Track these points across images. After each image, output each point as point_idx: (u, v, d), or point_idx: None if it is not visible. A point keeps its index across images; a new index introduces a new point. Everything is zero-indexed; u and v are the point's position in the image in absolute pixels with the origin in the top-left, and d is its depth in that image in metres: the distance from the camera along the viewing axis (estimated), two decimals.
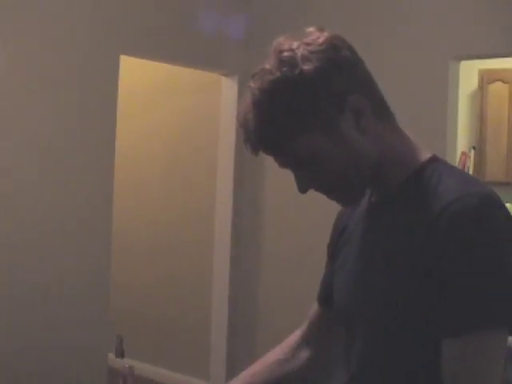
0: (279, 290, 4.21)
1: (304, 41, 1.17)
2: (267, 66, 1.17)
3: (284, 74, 1.14)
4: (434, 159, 1.21)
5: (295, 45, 1.16)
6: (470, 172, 4.85)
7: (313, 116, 1.14)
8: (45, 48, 3.52)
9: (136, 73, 4.88)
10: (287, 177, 4.35)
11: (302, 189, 1.23)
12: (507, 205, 1.28)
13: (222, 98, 4.46)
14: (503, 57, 3.85)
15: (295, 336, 1.44)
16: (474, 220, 1.09)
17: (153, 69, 4.75)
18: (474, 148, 4.94)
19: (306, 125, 1.14)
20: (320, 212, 4.03)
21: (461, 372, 1.08)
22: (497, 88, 4.88)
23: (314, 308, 1.45)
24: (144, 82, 5.01)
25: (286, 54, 1.15)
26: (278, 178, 4.23)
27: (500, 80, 4.88)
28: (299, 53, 1.14)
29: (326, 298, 1.40)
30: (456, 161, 4.12)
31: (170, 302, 4.83)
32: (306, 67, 1.13)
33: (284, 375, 1.40)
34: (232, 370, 4.37)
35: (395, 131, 1.22)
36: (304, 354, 1.41)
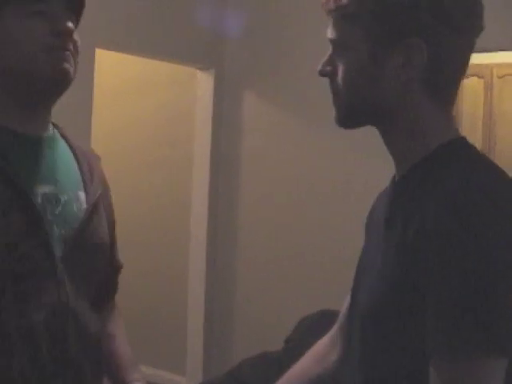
0: (255, 287, 4.21)
1: None
2: None
3: None
4: (458, 141, 1.14)
5: None
6: None
7: (385, 20, 1.09)
8: None
9: (112, 67, 4.85)
10: (263, 173, 4.32)
11: (320, 65, 1.21)
12: None
13: (198, 92, 4.45)
14: (478, 52, 3.87)
15: (325, 338, 1.41)
16: (465, 226, 0.98)
17: (128, 62, 4.72)
18: None
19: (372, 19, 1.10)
20: (297, 209, 4.04)
21: None
22: (472, 83, 4.91)
23: (347, 300, 1.38)
24: (119, 76, 4.97)
25: None
26: (254, 174, 4.23)
27: (475, 75, 4.91)
28: None
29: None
30: None
31: (145, 297, 4.81)
32: None
33: (316, 379, 1.36)
34: (208, 365, 4.37)
35: (438, 111, 1.14)
36: (334, 355, 1.37)
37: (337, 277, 3.81)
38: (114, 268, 1.64)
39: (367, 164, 3.75)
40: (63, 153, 1.49)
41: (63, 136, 1.52)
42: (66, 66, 1.42)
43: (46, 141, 1.45)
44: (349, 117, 1.19)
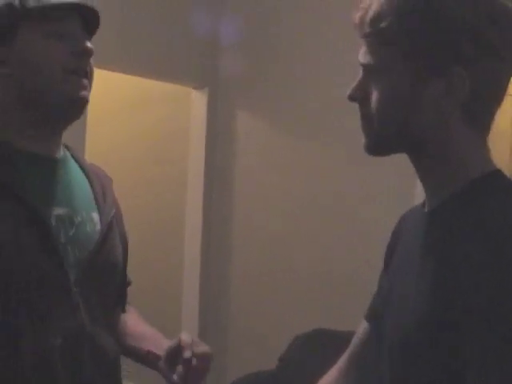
0: (250, 304, 4.19)
1: None
2: None
3: None
4: (496, 174, 1.10)
5: None
6: None
7: (429, 43, 1.05)
8: None
9: (106, 85, 4.85)
10: (257, 190, 4.32)
11: (350, 90, 1.15)
12: None
13: (192, 111, 4.45)
14: None
15: (332, 371, 1.36)
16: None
17: (122, 81, 4.73)
18: None
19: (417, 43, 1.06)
20: (291, 225, 4.04)
21: None
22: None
23: (362, 325, 1.34)
24: (114, 94, 4.98)
25: None
26: (248, 192, 4.23)
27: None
28: None
29: (374, 313, 1.29)
30: None
31: (139, 312, 4.78)
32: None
33: None
34: None
35: (475, 140, 1.11)
36: (352, 378, 1.32)
37: (332, 294, 3.80)
38: (124, 286, 1.65)
39: (361, 180, 3.76)
40: (75, 174, 1.47)
41: (74, 157, 1.51)
42: (85, 93, 1.39)
43: (59, 162, 1.43)
44: (380, 144, 1.15)
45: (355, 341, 1.34)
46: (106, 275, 1.44)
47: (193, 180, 4.43)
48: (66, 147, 1.51)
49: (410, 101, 1.08)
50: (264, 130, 4.21)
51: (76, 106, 1.39)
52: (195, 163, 4.41)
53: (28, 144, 1.38)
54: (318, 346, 3.26)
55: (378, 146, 1.16)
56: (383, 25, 1.07)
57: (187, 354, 1.39)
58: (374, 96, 1.11)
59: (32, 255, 1.28)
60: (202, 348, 1.45)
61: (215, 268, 4.39)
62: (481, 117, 1.12)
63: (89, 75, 1.42)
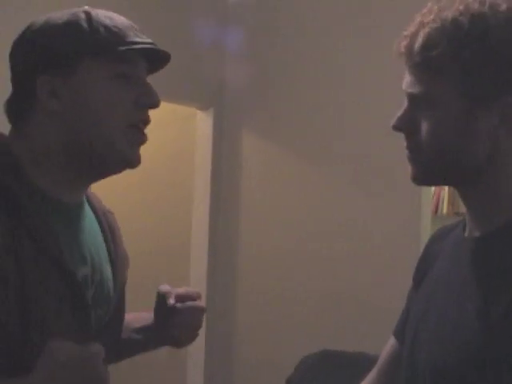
0: (255, 325, 4.17)
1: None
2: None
3: (494, 16, 1.02)
4: None
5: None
6: (445, 204, 4.86)
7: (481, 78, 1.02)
8: None
9: None
10: (263, 212, 4.31)
11: (396, 120, 1.11)
12: None
13: (198, 132, 4.46)
14: None
15: (371, 375, 1.34)
16: None
17: None
18: None
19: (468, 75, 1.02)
20: (297, 247, 4.02)
21: None
22: None
23: (389, 342, 1.31)
24: None
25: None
26: (254, 213, 4.22)
27: None
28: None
29: (403, 331, 1.25)
30: (431, 192, 4.15)
31: None
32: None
33: None
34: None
35: None
36: None
37: (337, 316, 3.78)
38: None
39: (367, 199, 3.75)
40: (91, 220, 1.33)
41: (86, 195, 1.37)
42: (139, 154, 1.25)
43: (81, 208, 1.29)
44: (429, 175, 1.12)
45: (383, 356, 1.31)
46: (119, 329, 1.39)
47: (198, 201, 4.43)
48: None
49: (464, 132, 1.05)
50: (269, 151, 4.21)
51: (126, 164, 1.25)
52: (201, 184, 4.41)
53: (60, 191, 1.22)
54: (325, 367, 3.24)
55: (426, 176, 1.13)
56: (435, 53, 1.04)
57: (170, 301, 1.41)
58: (424, 127, 1.07)
59: (67, 322, 1.18)
60: (182, 289, 1.49)
61: (221, 291, 4.37)
62: None
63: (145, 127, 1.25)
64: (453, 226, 1.21)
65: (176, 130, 4.72)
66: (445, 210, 4.80)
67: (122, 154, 1.22)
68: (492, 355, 0.98)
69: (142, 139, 1.25)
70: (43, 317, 1.13)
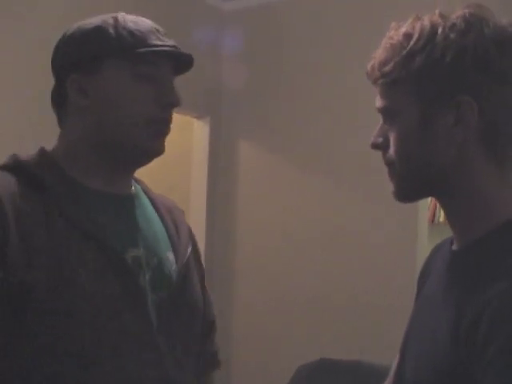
0: (252, 334, 4.16)
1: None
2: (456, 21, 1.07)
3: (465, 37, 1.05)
4: None
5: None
6: (442, 212, 4.86)
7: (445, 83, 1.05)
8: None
9: None
10: (259, 219, 4.31)
11: (372, 138, 1.15)
12: None
13: (194, 140, 4.46)
14: None
15: None
16: None
17: None
18: None
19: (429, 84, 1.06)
20: (293, 255, 4.02)
21: None
22: None
23: (397, 358, 1.30)
24: None
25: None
26: (250, 221, 4.22)
27: None
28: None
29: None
30: (427, 200, 4.14)
31: None
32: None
33: None
34: None
35: (499, 175, 1.08)
36: None
37: (334, 324, 3.77)
38: (207, 324, 1.55)
39: (364, 211, 3.75)
40: (147, 211, 1.39)
41: (144, 190, 1.44)
42: (163, 145, 1.37)
43: (132, 199, 1.36)
44: (406, 189, 1.13)
45: (390, 373, 1.30)
46: (186, 317, 1.36)
47: (195, 210, 4.42)
48: (136, 180, 1.45)
49: (424, 138, 1.07)
50: (266, 160, 4.21)
51: (151, 157, 1.36)
52: (197, 192, 4.41)
53: (99, 183, 1.31)
54: (322, 376, 3.23)
55: (404, 191, 1.14)
56: (388, 67, 1.09)
57: None
58: (392, 140, 1.11)
59: (115, 302, 1.21)
60: None
61: (217, 297, 4.36)
62: (502, 149, 1.09)
63: (170, 124, 1.36)
64: (449, 238, 1.21)
65: (172, 139, 4.68)
66: (442, 218, 4.80)
67: (141, 147, 1.31)
68: (460, 370, 0.98)
69: (164, 131, 1.37)
70: (95, 299, 1.18)
